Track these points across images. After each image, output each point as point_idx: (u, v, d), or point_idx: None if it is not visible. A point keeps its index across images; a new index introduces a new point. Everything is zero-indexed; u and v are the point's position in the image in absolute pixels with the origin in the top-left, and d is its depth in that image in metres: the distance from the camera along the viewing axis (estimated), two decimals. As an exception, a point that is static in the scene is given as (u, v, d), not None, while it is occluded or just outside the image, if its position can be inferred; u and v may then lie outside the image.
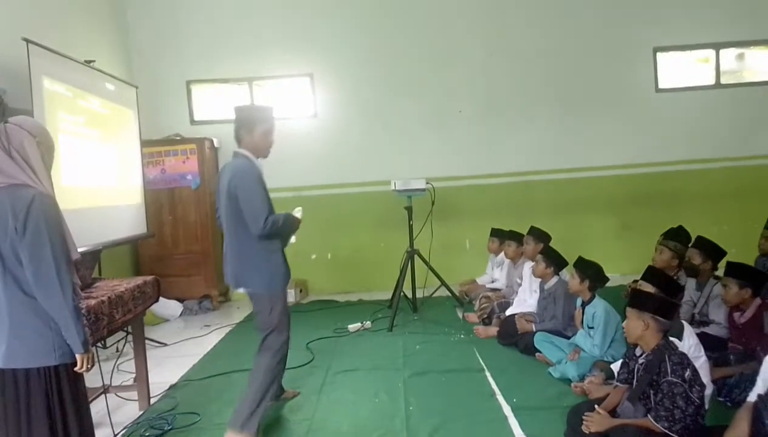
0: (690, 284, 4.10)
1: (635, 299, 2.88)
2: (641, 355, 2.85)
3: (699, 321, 3.95)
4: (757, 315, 3.43)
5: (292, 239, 3.45)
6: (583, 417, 2.83)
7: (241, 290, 3.24)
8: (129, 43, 6.98)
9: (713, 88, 7.22)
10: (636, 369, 2.86)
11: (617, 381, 3.01)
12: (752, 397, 2.48)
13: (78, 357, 2.16)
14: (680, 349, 2.89)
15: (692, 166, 7.16)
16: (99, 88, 5.01)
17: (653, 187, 7.14)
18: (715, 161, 7.15)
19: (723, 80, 7.23)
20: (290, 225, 3.25)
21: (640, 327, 2.79)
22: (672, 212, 6.65)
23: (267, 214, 3.03)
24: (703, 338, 3.44)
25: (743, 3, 7.05)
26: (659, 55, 7.18)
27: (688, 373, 2.62)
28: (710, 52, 7.22)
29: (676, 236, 4.54)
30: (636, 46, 7.13)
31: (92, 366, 2.24)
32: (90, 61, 5.07)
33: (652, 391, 2.69)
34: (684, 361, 2.67)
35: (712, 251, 4.02)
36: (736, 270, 3.50)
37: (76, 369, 2.19)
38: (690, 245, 4.21)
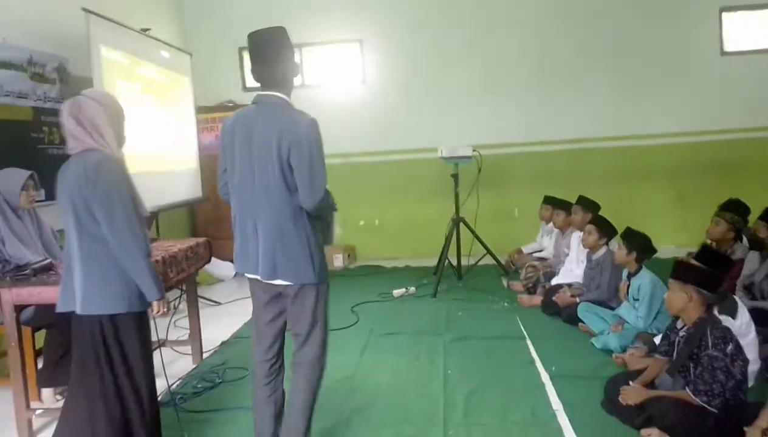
0: (753, 256, 3.94)
1: (678, 271, 2.82)
2: (682, 328, 2.81)
3: (755, 294, 3.82)
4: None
5: (337, 230, 3.17)
6: (621, 389, 2.83)
7: (279, 282, 2.42)
8: (183, 11, 7.15)
9: (785, 51, 6.78)
10: (677, 342, 2.83)
11: (657, 354, 2.98)
12: None
13: (154, 303, 2.37)
14: (732, 327, 2.82)
15: (758, 134, 6.79)
16: (154, 55, 5.17)
17: (713, 156, 6.83)
18: (783, 129, 6.75)
19: (797, 42, 6.78)
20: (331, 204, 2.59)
21: (683, 299, 2.74)
22: (732, 182, 6.33)
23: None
24: (758, 313, 3.34)
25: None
26: (725, 15, 6.77)
27: (730, 347, 2.57)
28: (784, 12, 6.76)
29: (735, 208, 4.35)
30: (700, 5, 6.75)
31: (167, 310, 2.47)
32: (146, 30, 5.23)
33: (692, 364, 2.66)
34: (727, 335, 2.62)
35: None
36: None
37: (153, 312, 2.40)
38: (757, 218, 4.01)
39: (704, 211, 5.18)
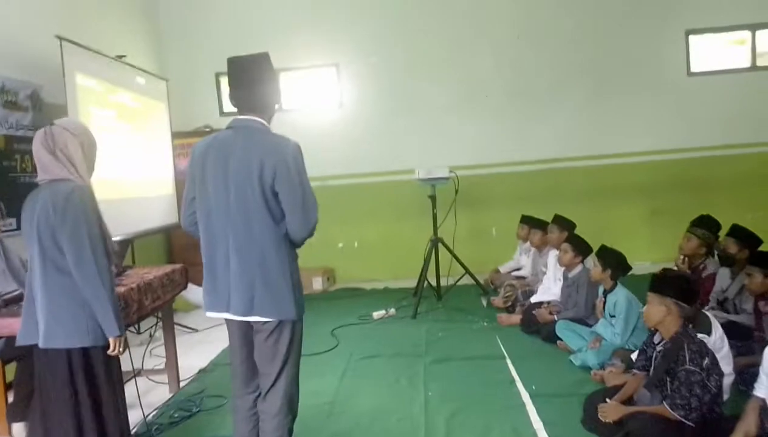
0: (724, 273, 4.03)
1: (657, 284, 2.86)
2: (659, 343, 2.84)
3: (728, 309, 3.90)
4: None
5: None
6: (598, 407, 2.85)
7: (255, 319, 2.27)
8: (160, 37, 7.16)
9: (749, 71, 7.01)
10: (654, 357, 2.86)
11: (635, 369, 3.01)
12: (757, 390, 2.47)
13: (111, 340, 2.29)
14: (708, 343, 2.86)
15: (725, 152, 6.98)
16: (130, 82, 5.16)
17: (684, 174, 6.99)
18: (749, 146, 6.95)
19: (759, 63, 7.01)
20: None
21: (661, 312, 2.77)
22: (703, 199, 6.51)
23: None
24: (731, 327, 3.40)
25: (781, -19, 6.82)
26: (691, 37, 7.00)
27: (706, 361, 2.61)
28: (746, 34, 7.00)
29: (705, 224, 4.45)
30: (667, 29, 6.96)
31: (124, 350, 2.37)
32: (121, 56, 5.22)
33: (668, 379, 2.69)
34: (703, 349, 2.66)
35: (748, 240, 3.94)
36: (760, 259, 3.44)
37: (108, 351, 2.32)
38: (726, 234, 4.11)
39: (676, 227, 5.29)
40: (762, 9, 6.86)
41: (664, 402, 2.67)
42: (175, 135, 6.22)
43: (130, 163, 5.02)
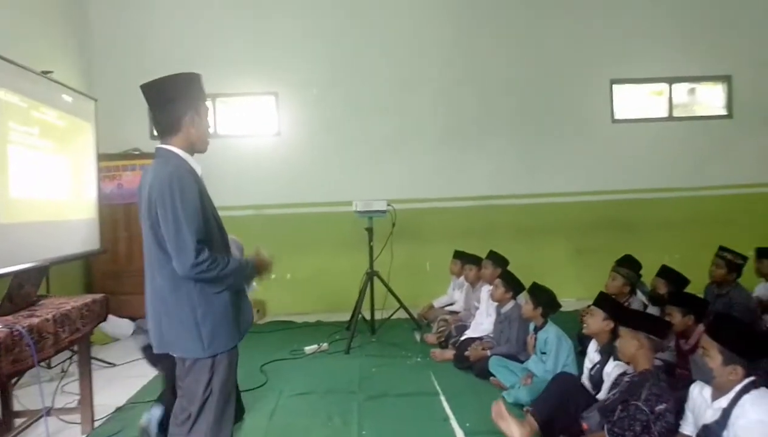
0: (653, 311, 4.20)
1: (627, 319, 2.94)
2: (630, 374, 2.89)
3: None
4: (699, 341, 3.53)
5: (254, 285, 2.70)
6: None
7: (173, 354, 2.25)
8: (90, 56, 6.87)
9: (666, 121, 7.50)
10: (615, 382, 2.92)
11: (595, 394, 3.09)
12: (683, 428, 2.55)
13: None
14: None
15: (645, 195, 7.39)
16: (56, 99, 4.89)
17: (608, 215, 7.33)
18: (667, 191, 7.39)
19: (675, 113, 7.53)
20: (244, 274, 2.33)
21: (634, 346, 2.84)
22: (626, 239, 6.84)
23: (196, 245, 2.06)
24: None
25: (695, 41, 7.38)
26: (615, 87, 7.43)
27: (660, 407, 2.65)
28: (664, 86, 7.51)
29: (628, 264, 4.66)
30: (593, 77, 7.37)
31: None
32: (47, 72, 4.95)
33: (620, 407, 2.74)
34: (663, 395, 2.68)
35: (676, 280, 4.13)
36: (678, 299, 3.61)
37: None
38: (656, 274, 4.28)
39: (600, 265, 5.51)
40: (678, 64, 7.41)
41: (605, 427, 2.72)
42: (102, 157, 5.92)
43: (50, 184, 4.72)
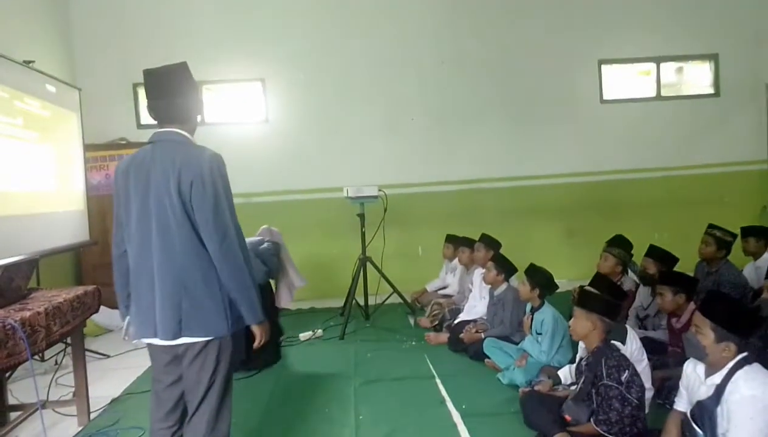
0: (644, 291, 4.24)
1: (583, 300, 2.97)
2: (585, 357, 2.96)
3: (647, 326, 4.10)
4: (692, 319, 3.56)
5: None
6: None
7: (183, 341, 2.18)
8: (73, 45, 6.76)
9: (654, 100, 7.52)
10: (581, 370, 2.96)
11: (570, 384, 3.12)
12: (677, 405, 2.59)
13: None
14: (623, 352, 3.00)
15: (634, 175, 7.43)
16: (38, 89, 4.80)
17: (597, 195, 7.36)
18: (656, 170, 7.43)
19: (663, 92, 7.54)
20: (253, 292, 2.23)
21: (587, 327, 2.90)
22: (615, 219, 6.88)
23: (236, 226, 2.17)
24: (647, 342, 3.56)
25: (682, 20, 7.37)
26: (604, 67, 7.42)
27: (625, 375, 2.72)
28: (651, 66, 7.52)
29: (620, 244, 4.69)
30: (582, 58, 7.35)
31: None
32: (29, 62, 4.86)
33: (594, 392, 2.78)
34: (622, 364, 2.77)
35: (665, 259, 4.16)
36: (668, 278, 3.64)
37: None
38: (644, 254, 4.31)
39: (591, 246, 5.55)
40: (666, 43, 7.41)
41: (591, 419, 2.76)
42: (89, 147, 5.84)
43: (37, 175, 4.65)
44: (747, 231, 4.77)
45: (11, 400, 3.57)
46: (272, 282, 4.95)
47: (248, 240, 5.12)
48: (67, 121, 5.28)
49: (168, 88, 2.22)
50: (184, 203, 2.11)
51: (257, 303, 2.23)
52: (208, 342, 2.18)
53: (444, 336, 4.87)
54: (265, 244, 4.98)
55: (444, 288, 6.10)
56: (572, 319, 3.01)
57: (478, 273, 5.03)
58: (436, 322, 5.27)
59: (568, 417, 2.90)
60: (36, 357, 4.29)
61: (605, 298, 2.99)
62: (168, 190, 2.10)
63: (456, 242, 5.79)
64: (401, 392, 3.84)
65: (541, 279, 3.95)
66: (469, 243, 5.44)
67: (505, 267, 4.55)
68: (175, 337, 2.16)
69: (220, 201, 2.12)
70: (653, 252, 4.23)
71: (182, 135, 2.24)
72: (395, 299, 5.98)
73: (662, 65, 7.51)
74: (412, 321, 5.67)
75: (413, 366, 4.35)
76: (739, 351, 2.34)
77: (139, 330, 2.25)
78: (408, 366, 4.37)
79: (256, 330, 2.27)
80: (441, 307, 5.39)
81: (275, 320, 4.74)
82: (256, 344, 2.28)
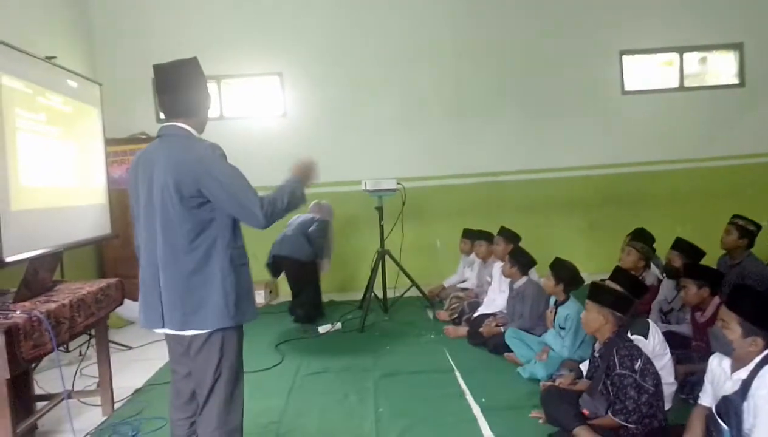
0: (669, 284, 4.17)
1: (595, 293, 2.95)
2: (598, 349, 2.94)
3: (671, 320, 4.04)
4: (717, 313, 3.50)
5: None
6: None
7: (190, 333, 2.22)
8: (93, 40, 6.83)
9: (677, 91, 7.38)
10: (596, 363, 2.95)
11: (586, 377, 3.08)
12: (702, 400, 2.55)
13: None
14: (646, 347, 2.97)
15: (656, 167, 7.30)
16: (61, 84, 4.86)
17: (618, 188, 7.26)
18: (678, 163, 7.30)
19: (686, 83, 7.40)
20: (295, 186, 2.34)
21: (599, 321, 2.90)
22: (636, 212, 6.80)
23: (257, 198, 2.16)
24: (670, 336, 3.52)
25: (705, 9, 7.22)
26: (625, 58, 7.30)
27: (638, 363, 2.71)
28: (674, 56, 7.38)
29: (642, 237, 4.62)
30: (603, 49, 7.23)
31: None
32: (51, 58, 4.92)
33: (610, 383, 2.76)
34: (633, 353, 2.75)
35: (691, 252, 4.09)
36: (692, 271, 3.58)
37: None
38: (670, 247, 4.24)
39: (611, 239, 5.50)
40: (689, 33, 7.26)
41: (609, 412, 2.74)
42: (109, 142, 5.92)
43: (60, 170, 4.72)
44: None
45: (37, 390, 3.64)
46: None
47: (299, 219, 5.46)
48: (88, 116, 5.34)
49: (174, 83, 2.26)
50: (183, 198, 2.12)
51: (300, 188, 2.35)
52: (210, 334, 2.20)
53: (463, 330, 4.85)
54: (314, 225, 5.50)
55: (462, 282, 6.08)
56: (584, 312, 2.99)
57: (497, 266, 5.00)
58: (455, 315, 5.26)
59: (586, 411, 2.87)
60: (60, 348, 4.36)
61: (617, 292, 2.96)
62: (168, 185, 2.13)
63: (472, 236, 5.76)
64: (420, 385, 3.84)
65: (565, 274, 3.88)
66: (486, 236, 5.41)
67: (521, 261, 4.50)
68: (181, 328, 2.21)
69: (232, 186, 2.13)
70: (679, 244, 4.15)
71: (185, 129, 2.26)
72: (414, 292, 5.97)
73: (685, 55, 7.36)
74: (430, 314, 5.66)
75: (432, 360, 4.35)
76: (767, 346, 2.30)
77: (146, 320, 2.29)
78: (427, 359, 4.37)
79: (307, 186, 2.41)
80: (460, 300, 5.37)
81: (317, 284, 5.71)
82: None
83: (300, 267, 5.50)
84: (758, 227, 4.42)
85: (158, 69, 2.30)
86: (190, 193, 2.12)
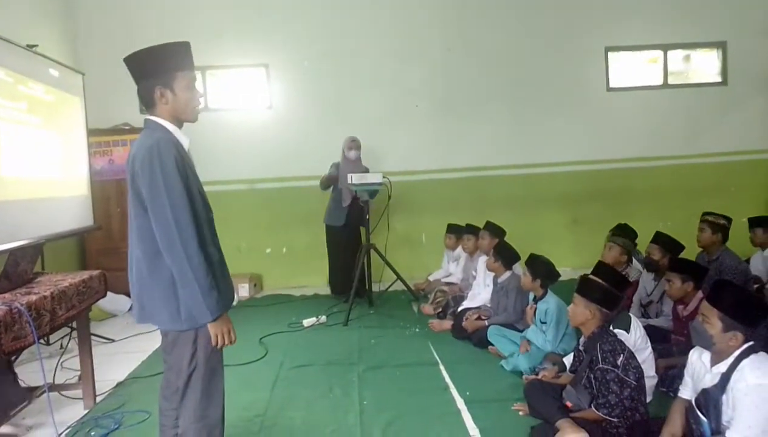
0: (648, 277, 4.22)
1: (584, 287, 2.97)
2: (582, 343, 2.98)
3: (650, 313, 4.09)
4: (699, 308, 3.55)
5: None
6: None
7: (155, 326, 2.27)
8: (77, 28, 6.72)
9: (661, 88, 7.45)
10: (579, 356, 2.98)
11: (570, 370, 3.11)
12: (682, 392, 2.59)
13: None
14: (627, 341, 3.01)
15: (640, 164, 7.37)
16: (42, 73, 4.77)
17: (603, 184, 7.32)
18: (662, 159, 7.37)
19: (670, 80, 7.47)
20: (199, 299, 2.07)
21: (585, 315, 2.91)
22: (620, 208, 6.88)
23: (193, 229, 2.03)
24: (649, 330, 3.55)
25: (690, 7, 7.29)
26: (610, 54, 7.35)
27: (621, 359, 2.74)
28: (659, 53, 7.44)
29: (624, 233, 4.67)
30: (588, 45, 7.27)
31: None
32: (33, 46, 4.83)
33: (593, 377, 2.79)
34: (617, 347, 2.79)
35: (670, 245, 4.14)
36: (678, 265, 3.63)
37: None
38: (650, 241, 4.30)
39: (596, 234, 5.55)
40: (673, 30, 7.33)
41: (592, 405, 2.77)
42: (92, 132, 5.82)
43: (41, 160, 4.64)
44: (754, 222, 4.75)
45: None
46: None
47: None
48: (70, 106, 5.26)
49: (135, 74, 2.22)
50: (137, 193, 2.09)
51: (205, 299, 2.04)
52: (180, 332, 2.19)
53: (448, 323, 4.88)
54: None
55: (447, 277, 6.10)
56: (571, 305, 3.02)
57: (482, 260, 5.02)
58: (440, 309, 5.28)
59: (569, 404, 2.90)
60: (41, 340, 4.30)
61: (606, 288, 2.98)
62: (130, 182, 2.13)
63: (457, 231, 5.78)
64: (405, 378, 3.86)
65: (542, 269, 3.92)
66: (473, 230, 5.43)
67: (505, 256, 4.53)
68: (140, 321, 2.24)
69: (157, 186, 2.02)
70: (659, 238, 4.21)
71: (154, 121, 2.20)
72: (399, 286, 5.98)
73: (669, 53, 7.43)
74: (415, 308, 5.67)
75: (417, 353, 4.36)
76: (746, 340, 2.34)
77: (134, 313, 2.31)
78: (412, 352, 4.38)
79: (209, 328, 2.13)
80: (444, 294, 5.39)
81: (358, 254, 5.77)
82: (213, 342, 2.15)
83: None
84: (729, 220, 4.51)
85: (125, 60, 2.26)
86: (138, 190, 2.08)
